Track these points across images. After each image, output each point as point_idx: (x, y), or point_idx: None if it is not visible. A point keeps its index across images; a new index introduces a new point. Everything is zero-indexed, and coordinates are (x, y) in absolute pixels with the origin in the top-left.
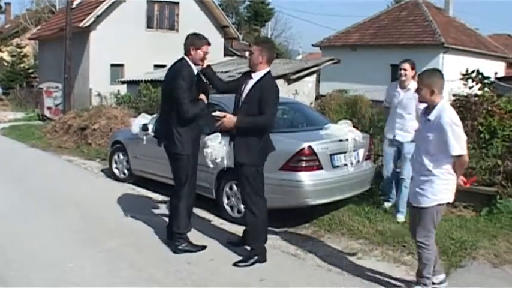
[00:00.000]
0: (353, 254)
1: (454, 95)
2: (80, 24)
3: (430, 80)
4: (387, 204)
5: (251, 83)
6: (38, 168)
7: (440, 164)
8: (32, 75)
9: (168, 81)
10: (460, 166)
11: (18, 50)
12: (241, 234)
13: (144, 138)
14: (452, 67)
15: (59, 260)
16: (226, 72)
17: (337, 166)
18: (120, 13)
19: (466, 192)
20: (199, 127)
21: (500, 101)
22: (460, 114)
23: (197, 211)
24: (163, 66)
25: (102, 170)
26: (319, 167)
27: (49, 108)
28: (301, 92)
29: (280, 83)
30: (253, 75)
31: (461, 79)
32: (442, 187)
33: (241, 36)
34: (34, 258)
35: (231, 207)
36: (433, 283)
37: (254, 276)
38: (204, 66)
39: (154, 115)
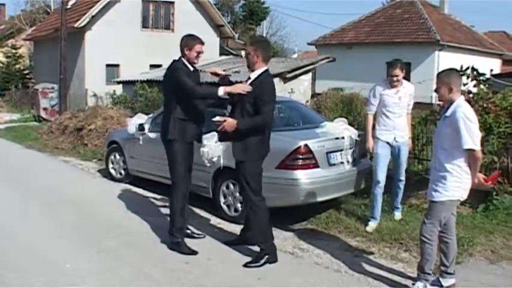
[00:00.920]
0: (350, 252)
1: None
2: (75, 25)
3: (449, 78)
4: (371, 224)
5: (248, 82)
6: (35, 169)
7: (454, 160)
8: (28, 76)
9: (167, 78)
10: (473, 162)
11: (13, 51)
12: (238, 234)
13: (141, 138)
14: (448, 64)
15: (56, 261)
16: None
17: (334, 164)
18: (115, 13)
19: None
20: (200, 122)
21: (495, 98)
22: None
23: (194, 210)
24: (159, 66)
25: (99, 171)
26: (316, 165)
27: (45, 109)
28: (297, 91)
29: (276, 81)
30: (251, 75)
31: None
32: (454, 184)
33: (236, 35)
34: (31, 259)
35: (228, 206)
36: (441, 286)
37: (251, 274)
38: (211, 71)
39: (151, 115)
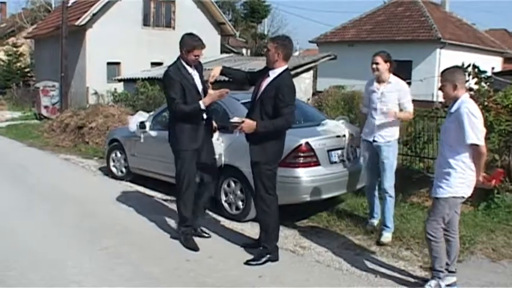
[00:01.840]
0: (352, 250)
1: None
2: (76, 23)
3: (453, 76)
4: (371, 222)
5: (267, 80)
6: (36, 167)
7: (458, 156)
8: (29, 74)
9: (162, 81)
10: (477, 158)
11: (15, 49)
12: (239, 232)
13: (142, 136)
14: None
15: (58, 259)
16: None
17: (335, 162)
18: (116, 11)
19: None
20: (198, 125)
21: (496, 95)
22: None
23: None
24: (160, 64)
25: (100, 169)
26: (317, 163)
27: (46, 107)
28: (298, 88)
29: None
30: (270, 72)
31: None
32: (458, 180)
33: (237, 33)
34: (33, 257)
35: (229, 204)
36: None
37: (252, 272)
38: (214, 72)
39: (152, 113)
